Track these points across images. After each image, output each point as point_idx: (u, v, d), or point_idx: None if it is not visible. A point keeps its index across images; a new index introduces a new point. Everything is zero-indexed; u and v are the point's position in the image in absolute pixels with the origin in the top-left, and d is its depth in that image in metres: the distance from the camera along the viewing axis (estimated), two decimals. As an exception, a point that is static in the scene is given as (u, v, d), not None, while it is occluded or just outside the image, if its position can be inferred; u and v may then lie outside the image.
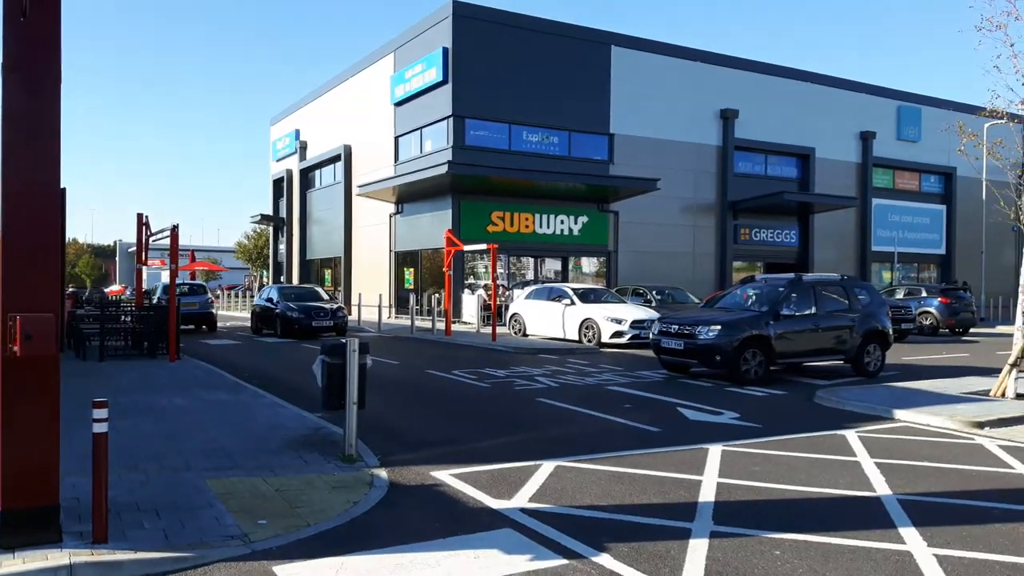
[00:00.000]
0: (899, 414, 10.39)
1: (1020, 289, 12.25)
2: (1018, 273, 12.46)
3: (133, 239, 22.78)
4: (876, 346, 14.97)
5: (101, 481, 5.12)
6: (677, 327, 14.37)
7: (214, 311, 28.10)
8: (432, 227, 29.17)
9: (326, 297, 25.80)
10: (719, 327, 13.63)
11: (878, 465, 7.67)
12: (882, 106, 38.91)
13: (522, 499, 6.39)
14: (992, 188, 14.96)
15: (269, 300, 24.62)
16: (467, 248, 24.11)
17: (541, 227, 29.82)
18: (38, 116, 5.03)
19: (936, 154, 39.56)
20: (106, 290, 51.13)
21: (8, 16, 4.93)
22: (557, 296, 22.09)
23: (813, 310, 14.45)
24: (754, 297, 15.03)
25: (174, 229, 16.52)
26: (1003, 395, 11.53)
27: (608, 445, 8.44)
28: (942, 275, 41.73)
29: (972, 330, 27.35)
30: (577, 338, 20.73)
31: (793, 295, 14.38)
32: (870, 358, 14.85)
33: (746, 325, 13.68)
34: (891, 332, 15.55)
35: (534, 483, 6.87)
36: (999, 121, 13.28)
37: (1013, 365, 11.57)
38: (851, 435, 9.20)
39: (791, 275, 15.55)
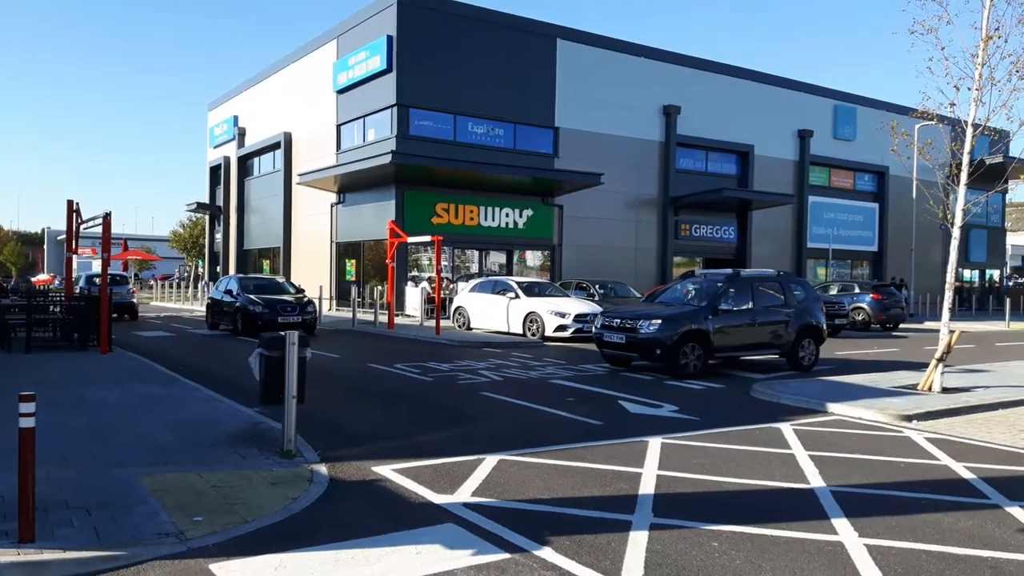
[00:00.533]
0: (832, 407, 10.69)
1: (947, 287, 12.71)
2: (946, 271, 12.92)
3: (62, 226, 21.96)
4: (811, 341, 15.37)
5: (28, 478, 4.91)
6: (619, 321, 14.52)
7: (135, 300, 28.38)
8: (375, 218, 28.86)
9: (292, 290, 23.05)
10: (660, 321, 13.81)
11: (812, 457, 7.88)
12: (819, 105, 39.92)
13: (464, 494, 6.37)
14: (922, 188, 15.46)
15: (228, 292, 22.03)
16: (411, 240, 23.91)
17: (486, 220, 29.79)
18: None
19: (870, 153, 40.79)
20: (33, 279, 49.25)
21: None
22: (502, 290, 22.10)
23: (750, 305, 14.76)
24: (693, 292, 15.27)
25: (106, 217, 15.96)
26: (930, 389, 11.96)
27: (551, 439, 8.48)
28: (874, 271, 43.13)
29: (902, 326, 28.33)
30: (521, 332, 20.78)
31: (731, 290, 14.67)
32: (804, 352, 15.24)
33: (686, 319, 13.90)
34: (825, 327, 15.99)
35: (476, 477, 6.85)
36: (930, 122, 13.72)
37: (939, 360, 12.01)
38: (786, 428, 9.43)
39: (730, 271, 15.85)
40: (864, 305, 27.31)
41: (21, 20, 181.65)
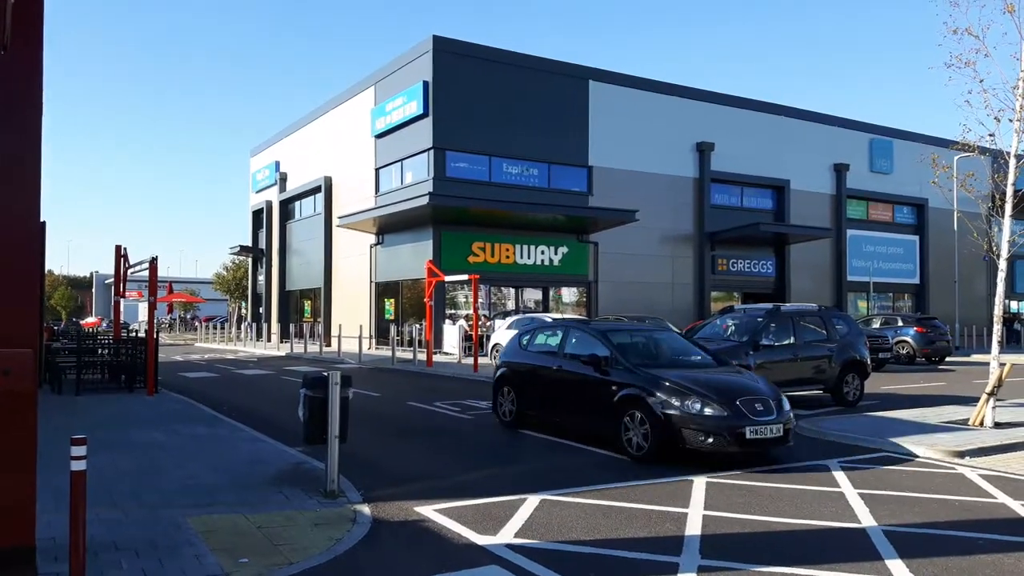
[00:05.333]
0: (880, 444, 10.44)
1: (995, 318, 12.42)
2: (992, 303, 12.64)
3: (109, 270, 22.54)
4: (855, 376, 15.07)
5: (79, 521, 4.99)
6: None
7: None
8: (413, 258, 29.16)
9: (699, 352, 11.13)
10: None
11: (862, 495, 7.69)
12: (855, 139, 39.66)
13: (508, 534, 6.33)
14: (965, 219, 15.23)
15: (569, 357, 10.83)
16: (448, 279, 24.09)
17: (522, 258, 29.92)
18: (19, 150, 4.99)
19: (908, 186, 40.29)
20: (82, 322, 50.41)
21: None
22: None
23: (792, 340, 14.55)
24: (733, 327, 15.09)
25: (153, 261, 16.37)
26: (981, 424, 11.63)
27: (593, 477, 8.40)
28: (917, 304, 42.28)
29: (948, 359, 27.66)
30: (558, 369, 20.64)
31: (772, 325, 14.49)
32: (849, 387, 14.94)
33: (728, 356, 13.73)
34: (869, 361, 15.68)
35: (519, 518, 6.81)
36: (970, 154, 13.55)
37: (990, 394, 11.70)
38: (834, 465, 9.22)
39: (770, 305, 15.67)
40: (908, 338, 26.76)
41: (68, 77, 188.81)
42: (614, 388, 9.64)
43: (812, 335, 14.95)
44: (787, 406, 9.43)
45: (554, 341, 11.51)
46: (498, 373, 12.27)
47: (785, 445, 9.34)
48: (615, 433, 9.56)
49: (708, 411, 8.84)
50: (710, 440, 8.74)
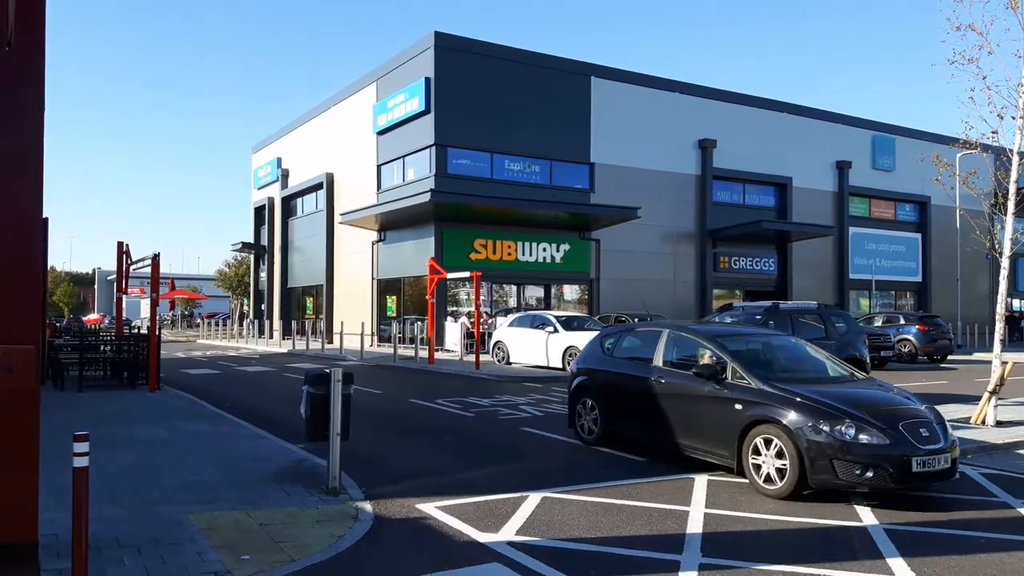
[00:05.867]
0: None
1: (998, 317, 12.41)
2: (994, 301, 12.63)
3: (112, 267, 22.57)
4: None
5: (81, 517, 5.00)
6: None
7: None
8: (415, 255, 29.17)
9: (830, 364, 9.34)
10: None
11: (862, 493, 7.68)
12: (857, 136, 39.60)
13: (509, 532, 6.34)
14: (967, 217, 15.20)
15: (675, 365, 9.17)
16: (450, 276, 24.09)
17: (523, 255, 29.91)
18: (21, 147, 4.99)
19: (911, 184, 40.23)
20: (84, 319, 50.49)
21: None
22: (540, 324, 22.09)
23: None
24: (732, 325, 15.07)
25: (155, 258, 16.39)
26: (983, 423, 11.63)
27: (594, 475, 8.40)
28: (919, 303, 42.25)
29: (949, 357, 27.63)
30: (561, 366, 20.70)
31: (770, 323, 14.47)
32: (851, 386, 14.85)
33: None
34: (868, 360, 15.66)
35: (521, 515, 6.82)
36: (973, 151, 13.52)
37: (992, 392, 11.69)
38: (835, 463, 9.20)
39: (768, 303, 15.67)
40: (910, 336, 26.73)
41: (70, 73, 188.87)
42: (737, 407, 7.93)
43: (811, 332, 14.94)
44: (950, 429, 7.73)
45: (648, 346, 9.65)
46: (576, 382, 10.55)
47: (951, 479, 7.49)
48: (737, 460, 7.92)
49: (866, 438, 7.11)
50: (869, 474, 7.01)
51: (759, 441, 7.66)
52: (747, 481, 8.07)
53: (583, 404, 10.29)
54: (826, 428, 7.21)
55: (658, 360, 9.25)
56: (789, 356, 9.32)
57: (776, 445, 7.48)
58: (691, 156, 34.48)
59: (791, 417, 7.44)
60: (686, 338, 9.30)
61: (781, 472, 7.40)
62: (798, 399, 7.57)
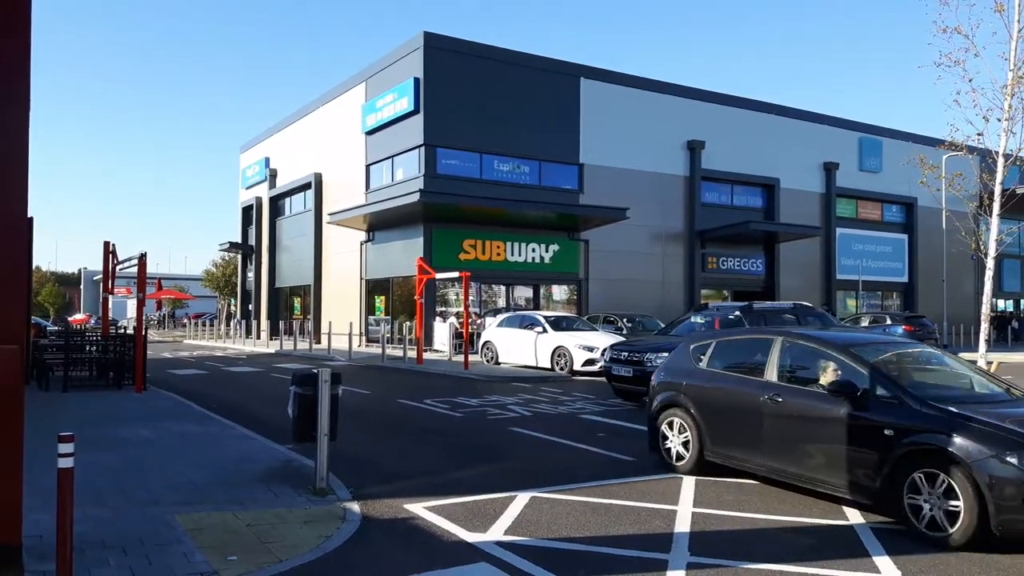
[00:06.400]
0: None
1: (983, 317, 12.52)
2: (979, 302, 12.75)
3: (98, 266, 22.42)
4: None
5: (66, 519, 4.96)
6: (627, 354, 14.36)
7: None
8: (404, 255, 29.11)
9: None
10: (667, 354, 13.63)
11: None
12: (844, 137, 39.83)
13: (497, 532, 6.33)
14: (953, 218, 15.33)
15: (797, 380, 7.74)
16: (439, 276, 24.07)
17: (512, 255, 29.91)
18: (5, 145, 4.95)
19: (897, 185, 40.49)
20: (70, 319, 50.12)
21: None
22: (529, 324, 22.10)
23: None
24: (705, 325, 15.05)
25: (142, 258, 16.28)
26: (968, 422, 11.68)
27: (583, 475, 8.41)
28: (905, 303, 42.53)
29: (936, 357, 27.75)
30: (549, 366, 20.72)
31: (743, 323, 14.37)
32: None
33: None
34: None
35: (509, 515, 6.81)
36: (958, 153, 13.64)
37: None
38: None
39: (743, 303, 15.68)
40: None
41: (55, 71, 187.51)
42: (887, 433, 6.46)
43: None
44: None
45: (756, 357, 8.14)
46: (660, 399, 8.93)
47: None
48: (887, 499, 6.48)
49: None
50: None
51: (919, 476, 6.20)
52: (734, 480, 8.09)
53: (669, 425, 8.76)
54: (1015, 462, 5.71)
55: (771, 374, 7.72)
56: (932, 370, 7.87)
57: (943, 481, 6.04)
58: (679, 157, 34.58)
59: (966, 446, 5.93)
60: (807, 347, 7.80)
61: (952, 515, 5.96)
62: (973, 423, 6.07)
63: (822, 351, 7.56)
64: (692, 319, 15.96)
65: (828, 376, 7.19)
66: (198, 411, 12.98)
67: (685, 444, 8.54)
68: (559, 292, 32.23)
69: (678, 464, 8.57)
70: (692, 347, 9.11)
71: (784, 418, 7.38)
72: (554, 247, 30.83)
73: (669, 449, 8.72)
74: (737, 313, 14.67)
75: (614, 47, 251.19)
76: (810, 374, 7.55)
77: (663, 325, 25.78)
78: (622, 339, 20.45)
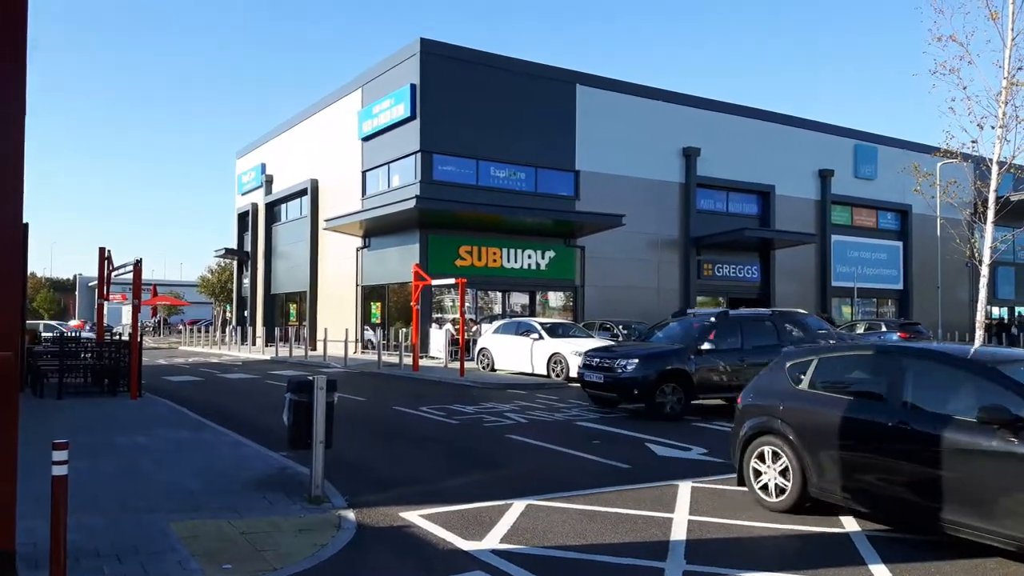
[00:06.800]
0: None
1: (978, 324, 12.55)
2: (974, 308, 12.78)
3: (93, 272, 22.35)
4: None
5: (59, 527, 4.94)
6: (598, 360, 14.34)
7: None
8: (400, 261, 29.10)
9: None
10: (637, 360, 13.61)
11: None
12: (839, 145, 39.96)
13: (493, 540, 6.32)
14: (947, 226, 15.39)
15: (927, 408, 6.45)
16: (435, 282, 24.06)
17: (509, 261, 29.93)
18: (2, 151, 4.94)
19: (892, 192, 40.61)
20: (65, 326, 49.94)
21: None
22: (525, 331, 22.09)
23: (739, 345, 14.31)
24: (680, 332, 15.01)
25: (137, 264, 16.25)
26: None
27: (579, 483, 8.40)
28: (900, 310, 42.63)
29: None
30: (545, 373, 20.70)
31: (716, 330, 14.25)
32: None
33: (664, 359, 13.59)
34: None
35: (505, 523, 6.80)
36: (953, 160, 13.70)
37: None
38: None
39: (720, 310, 15.63)
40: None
41: (52, 78, 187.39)
42: None
43: (762, 340, 14.49)
44: None
45: (872, 376, 7.06)
46: (750, 425, 7.72)
47: None
48: None
49: None
50: None
51: None
52: (733, 488, 8.07)
53: (760, 456, 7.54)
54: None
55: (894, 396, 6.55)
56: None
57: None
58: (675, 164, 34.67)
59: None
60: (937, 366, 6.63)
61: None
62: None
63: (959, 372, 6.39)
64: (671, 325, 15.91)
65: (970, 401, 6.03)
66: (193, 418, 12.93)
67: (784, 474, 7.28)
68: (555, 299, 32.24)
69: (775, 501, 7.30)
70: (789, 364, 7.81)
71: (916, 452, 6.16)
72: (550, 254, 30.86)
73: (766, 485, 7.44)
74: (713, 319, 14.52)
75: (609, 54, 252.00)
76: (944, 397, 6.37)
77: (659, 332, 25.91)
78: (599, 344, 20.35)
